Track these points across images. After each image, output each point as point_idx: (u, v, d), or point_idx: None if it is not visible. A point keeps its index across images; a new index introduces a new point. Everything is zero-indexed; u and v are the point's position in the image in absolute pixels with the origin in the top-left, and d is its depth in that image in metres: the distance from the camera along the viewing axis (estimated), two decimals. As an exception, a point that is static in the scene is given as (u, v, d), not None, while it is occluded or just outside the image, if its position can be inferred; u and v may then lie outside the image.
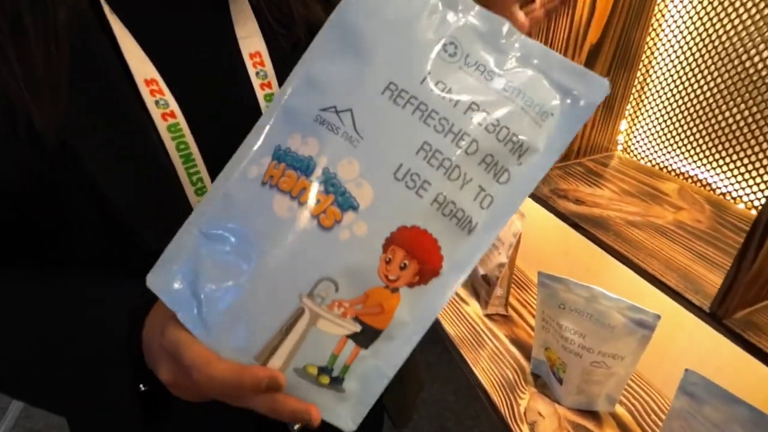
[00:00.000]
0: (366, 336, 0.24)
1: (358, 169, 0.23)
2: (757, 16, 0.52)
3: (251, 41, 0.31)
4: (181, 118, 0.29)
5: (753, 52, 0.53)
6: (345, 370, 0.24)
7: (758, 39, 0.52)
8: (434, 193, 0.23)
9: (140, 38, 0.28)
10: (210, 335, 0.23)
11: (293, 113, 0.25)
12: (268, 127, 0.25)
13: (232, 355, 0.23)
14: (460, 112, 0.23)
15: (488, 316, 0.98)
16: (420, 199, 0.23)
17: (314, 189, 0.23)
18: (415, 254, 0.23)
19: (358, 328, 0.23)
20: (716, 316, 0.41)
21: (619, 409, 0.76)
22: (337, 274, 0.23)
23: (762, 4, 0.51)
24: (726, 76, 0.57)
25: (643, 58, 0.66)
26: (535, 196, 0.64)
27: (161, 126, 0.28)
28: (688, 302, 0.43)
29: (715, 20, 0.56)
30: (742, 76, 0.55)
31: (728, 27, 0.55)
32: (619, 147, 0.74)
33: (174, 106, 0.28)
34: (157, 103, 0.28)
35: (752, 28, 0.53)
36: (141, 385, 0.29)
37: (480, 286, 1.01)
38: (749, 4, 0.53)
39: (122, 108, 0.27)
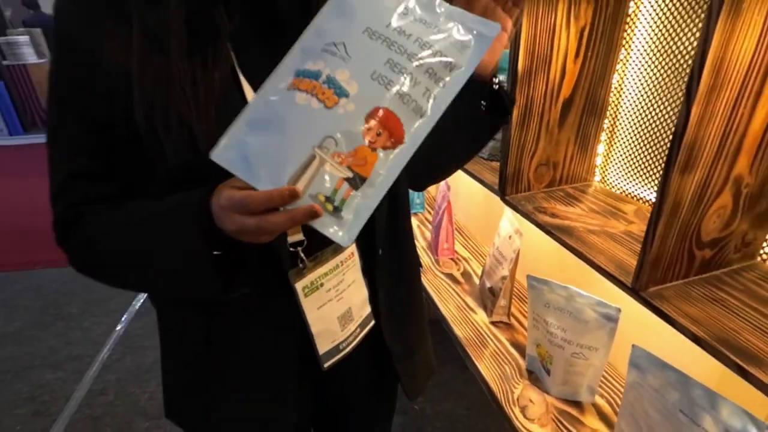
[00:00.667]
0: (355, 181, 0.36)
1: (348, 74, 0.37)
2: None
3: None
4: None
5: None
6: (342, 202, 0.35)
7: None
8: (396, 88, 0.37)
9: (251, 80, 0.47)
10: (255, 178, 0.36)
11: (307, 50, 0.39)
12: (290, 60, 0.38)
13: (269, 188, 0.35)
14: (412, 43, 0.38)
15: (493, 323, 1.12)
16: (387, 91, 0.37)
17: (322, 86, 0.37)
18: (387, 127, 0.37)
19: (350, 174, 0.35)
20: (635, 289, 0.57)
21: (599, 400, 0.88)
22: (336, 135, 0.35)
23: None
24: (669, 122, 0.74)
25: (609, 108, 0.84)
26: (522, 212, 0.81)
27: None
28: (619, 281, 0.59)
29: (662, 84, 0.74)
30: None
31: (672, 93, 0.73)
32: (597, 177, 0.91)
33: None
34: None
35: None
36: (214, 252, 0.42)
37: (486, 297, 1.16)
38: (682, 72, 0.70)
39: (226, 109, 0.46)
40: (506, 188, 0.85)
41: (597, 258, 0.63)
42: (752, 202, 0.55)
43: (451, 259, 1.43)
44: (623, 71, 0.80)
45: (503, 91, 0.51)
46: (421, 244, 1.53)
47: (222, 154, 0.37)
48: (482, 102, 0.52)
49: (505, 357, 1.02)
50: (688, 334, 0.50)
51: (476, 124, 0.54)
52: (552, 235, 0.72)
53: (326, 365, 0.58)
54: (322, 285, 0.55)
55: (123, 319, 2.14)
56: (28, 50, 5.65)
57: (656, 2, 0.72)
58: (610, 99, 0.82)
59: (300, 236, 0.51)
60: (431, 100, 0.37)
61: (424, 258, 1.44)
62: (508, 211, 1.06)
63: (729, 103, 0.46)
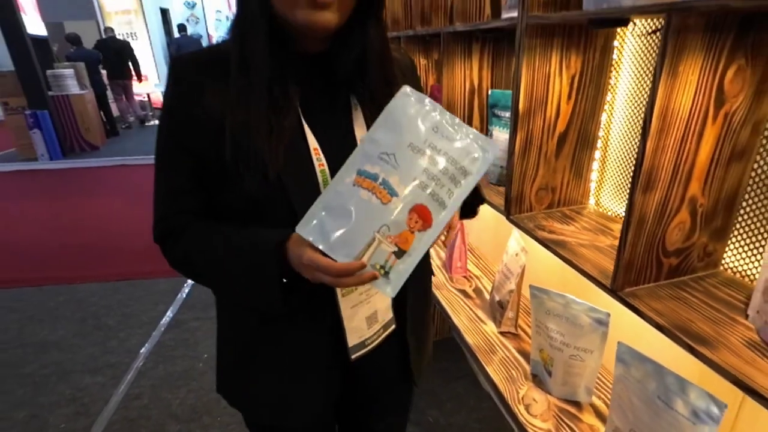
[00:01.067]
0: (399, 253, 0.52)
1: (398, 179, 0.53)
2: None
3: (360, 128, 0.66)
4: (326, 166, 0.63)
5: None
6: (390, 268, 0.53)
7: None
8: (430, 190, 0.53)
9: (312, 128, 0.63)
10: (334, 253, 0.53)
11: (366, 155, 0.54)
12: (353, 160, 0.53)
13: (342, 261, 0.52)
14: (441, 156, 0.53)
15: (501, 333, 1.23)
16: (424, 192, 0.53)
17: (379, 187, 0.53)
18: (421, 216, 0.53)
19: (396, 249, 0.53)
20: (613, 290, 0.69)
21: (596, 400, 0.98)
22: (389, 223, 0.53)
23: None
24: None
25: (600, 141, 0.97)
26: (524, 229, 0.94)
27: (318, 168, 0.63)
28: (600, 284, 0.71)
29: (638, 121, 0.88)
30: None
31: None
32: (591, 200, 1.03)
33: (323, 160, 0.63)
34: (317, 159, 0.63)
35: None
36: (284, 279, 0.58)
37: (495, 309, 1.28)
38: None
39: (304, 158, 0.62)
40: (511, 209, 0.98)
41: (584, 265, 0.75)
42: (708, 219, 0.67)
43: (464, 276, 1.54)
44: (610, 110, 0.95)
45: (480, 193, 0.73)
46: (436, 262, 1.65)
47: (306, 229, 0.53)
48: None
49: (512, 363, 1.12)
50: (652, 323, 0.62)
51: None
52: (548, 247, 0.85)
53: (353, 356, 0.71)
54: (356, 289, 0.68)
55: (155, 331, 2.29)
56: (72, 82, 6.10)
57: (631, 57, 0.87)
58: (600, 134, 0.96)
59: None
60: (451, 197, 0.53)
61: (439, 275, 1.56)
62: (515, 232, 1.19)
63: (677, 140, 0.60)
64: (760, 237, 0.68)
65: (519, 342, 1.19)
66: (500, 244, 1.48)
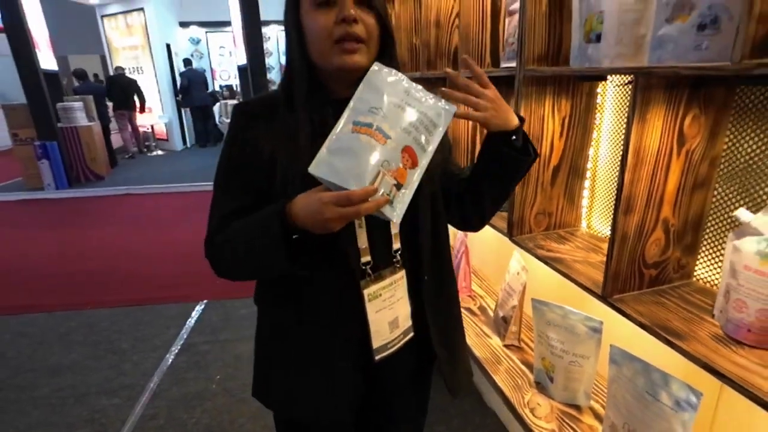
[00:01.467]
0: (399, 186, 0.60)
1: (388, 125, 0.60)
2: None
3: None
4: None
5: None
6: (394, 197, 0.59)
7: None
8: (413, 136, 0.63)
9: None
10: (347, 184, 0.60)
11: (357, 110, 0.61)
12: (347, 116, 0.61)
13: (355, 189, 0.58)
14: (416, 111, 0.63)
15: (506, 346, 1.34)
16: (409, 137, 0.62)
17: (375, 132, 0.62)
18: (411, 157, 0.63)
19: (396, 182, 0.59)
20: (603, 296, 0.81)
21: (594, 404, 1.09)
22: (389, 158, 0.59)
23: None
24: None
25: (588, 173, 1.12)
26: (525, 248, 1.07)
27: None
28: (593, 292, 0.84)
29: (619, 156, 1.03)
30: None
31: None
32: (584, 224, 1.17)
33: None
34: None
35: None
36: (293, 236, 0.65)
37: (500, 324, 1.39)
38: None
39: None
40: (513, 231, 1.12)
41: (579, 278, 0.88)
42: (679, 236, 0.81)
43: (469, 296, 1.66)
44: (596, 146, 1.10)
45: (526, 139, 0.72)
46: (442, 283, 1.77)
47: (317, 169, 0.62)
48: (507, 148, 0.71)
49: (517, 372, 1.23)
50: (636, 323, 0.74)
51: (505, 166, 0.73)
52: (548, 263, 0.98)
53: (377, 357, 0.80)
54: (380, 295, 0.80)
55: (168, 354, 2.36)
56: (81, 114, 6.28)
57: (611, 102, 1.03)
58: (588, 166, 1.11)
59: (368, 258, 0.77)
60: (429, 144, 0.65)
61: (445, 295, 1.68)
62: (516, 253, 1.32)
63: (649, 173, 0.74)
64: (722, 252, 0.82)
65: (522, 354, 1.30)
66: (502, 266, 1.61)
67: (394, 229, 0.76)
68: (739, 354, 0.65)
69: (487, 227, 1.32)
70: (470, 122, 1.48)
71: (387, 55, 0.71)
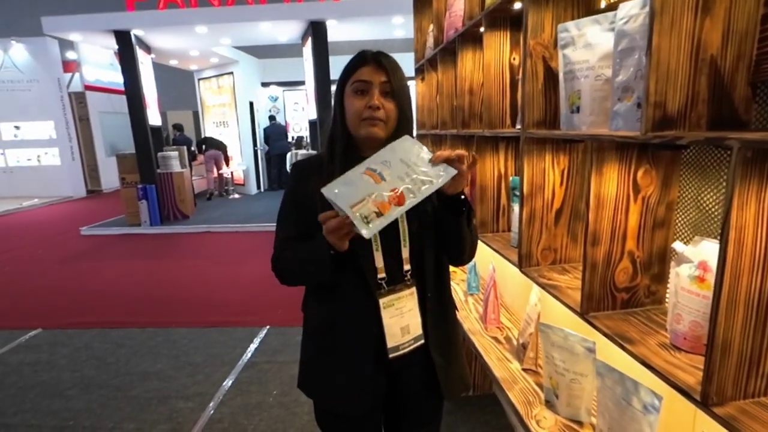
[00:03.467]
0: (378, 214, 0.82)
1: (389, 173, 0.88)
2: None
3: None
4: None
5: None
6: (370, 220, 0.81)
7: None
8: (406, 184, 0.86)
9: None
10: (336, 199, 0.85)
11: (374, 160, 0.91)
12: (366, 163, 0.91)
13: (341, 205, 0.85)
14: (417, 168, 0.89)
15: (524, 369, 1.50)
16: (403, 183, 0.87)
17: (376, 175, 0.88)
18: (398, 197, 0.86)
19: (377, 210, 0.82)
20: (581, 314, 1.00)
21: (594, 420, 1.21)
22: (376, 193, 0.83)
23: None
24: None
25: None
26: (531, 278, 1.27)
27: None
28: (574, 310, 1.02)
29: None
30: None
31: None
32: (588, 260, 1.35)
33: None
34: None
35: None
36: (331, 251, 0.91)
37: (520, 351, 1.55)
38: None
39: None
40: (522, 263, 1.32)
41: (566, 300, 1.07)
42: (646, 267, 0.99)
43: (497, 327, 1.83)
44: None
45: (464, 200, 0.97)
46: (473, 315, 1.96)
47: (326, 190, 0.87)
48: (455, 210, 0.98)
49: (530, 392, 1.38)
50: (602, 332, 0.92)
51: (455, 226, 0.99)
52: (545, 289, 1.17)
53: (391, 356, 1.03)
54: (393, 305, 1.04)
55: (234, 369, 2.69)
56: (176, 162, 7.25)
57: (606, 156, 1.24)
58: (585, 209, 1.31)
59: (383, 275, 1.02)
60: (419, 192, 0.87)
61: (476, 325, 1.86)
62: (535, 287, 1.49)
63: (610, 213, 0.94)
64: (688, 282, 0.98)
65: (538, 377, 1.45)
66: (528, 300, 1.77)
67: (405, 254, 1.02)
68: (674, 356, 0.81)
69: (507, 262, 1.52)
70: (495, 174, 1.73)
71: (402, 129, 0.99)
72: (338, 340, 1.05)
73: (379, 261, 1.00)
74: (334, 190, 0.87)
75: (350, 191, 0.85)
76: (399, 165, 0.89)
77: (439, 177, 0.89)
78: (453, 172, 0.90)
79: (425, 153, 0.92)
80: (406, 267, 1.02)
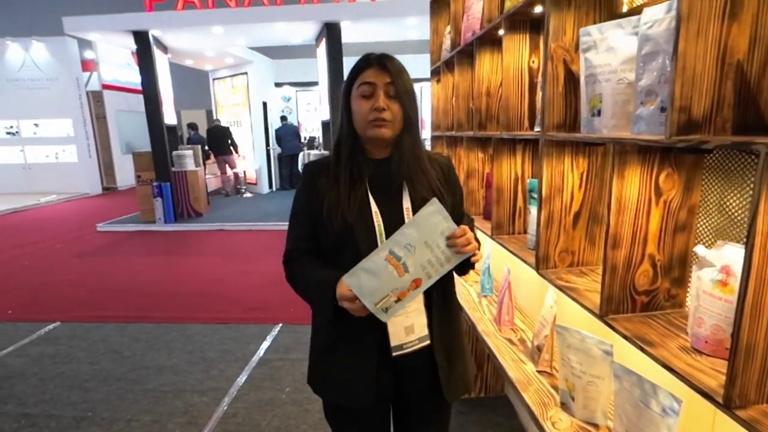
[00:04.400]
0: (398, 300, 0.94)
1: (413, 262, 0.94)
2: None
3: (406, 201, 1.07)
4: (381, 223, 1.04)
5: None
6: (389, 308, 0.94)
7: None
8: (427, 270, 0.95)
9: (375, 199, 1.04)
10: (362, 297, 0.93)
11: (398, 242, 0.95)
12: (388, 243, 0.95)
13: (366, 303, 0.94)
14: (440, 251, 0.95)
15: (539, 371, 1.50)
16: (423, 272, 0.94)
17: (401, 266, 0.94)
18: (416, 283, 0.94)
19: (396, 299, 0.94)
20: (600, 316, 1.00)
21: (610, 423, 1.21)
22: (399, 287, 0.93)
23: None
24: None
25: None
26: (548, 280, 1.28)
27: (376, 223, 1.03)
28: (594, 312, 1.03)
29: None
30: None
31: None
32: (605, 263, 1.35)
33: (380, 219, 1.03)
34: (377, 218, 1.04)
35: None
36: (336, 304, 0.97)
37: (534, 352, 1.55)
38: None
39: (367, 216, 1.03)
40: (539, 265, 1.33)
41: (585, 302, 1.08)
42: (666, 270, 0.99)
43: (511, 329, 1.83)
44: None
45: (471, 265, 1.06)
46: (487, 316, 1.96)
47: (349, 281, 0.94)
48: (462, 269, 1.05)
49: (545, 393, 1.38)
50: (621, 335, 0.93)
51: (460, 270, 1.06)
52: (564, 292, 1.18)
53: (394, 354, 1.05)
54: None
55: (248, 366, 2.72)
56: (190, 161, 7.34)
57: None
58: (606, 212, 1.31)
59: None
60: (435, 274, 0.95)
61: (489, 326, 1.87)
62: (550, 289, 1.50)
63: (631, 216, 0.95)
64: (709, 286, 0.98)
65: (552, 379, 1.45)
66: (543, 302, 1.77)
67: None
68: (695, 359, 0.81)
69: (531, 272, 1.52)
70: (512, 176, 1.73)
71: (407, 130, 1.02)
72: (343, 337, 1.07)
73: None
74: (359, 283, 0.93)
75: (374, 286, 0.93)
76: (422, 250, 0.94)
77: (449, 260, 0.97)
78: (465, 255, 0.97)
79: (447, 229, 0.96)
80: None
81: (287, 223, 1.13)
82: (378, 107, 0.98)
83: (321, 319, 1.07)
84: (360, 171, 1.04)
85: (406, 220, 1.03)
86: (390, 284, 0.92)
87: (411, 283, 0.94)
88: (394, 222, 1.01)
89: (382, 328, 1.03)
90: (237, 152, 9.02)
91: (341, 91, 1.06)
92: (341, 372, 1.09)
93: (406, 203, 1.05)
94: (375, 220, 1.03)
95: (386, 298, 0.92)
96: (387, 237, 1.02)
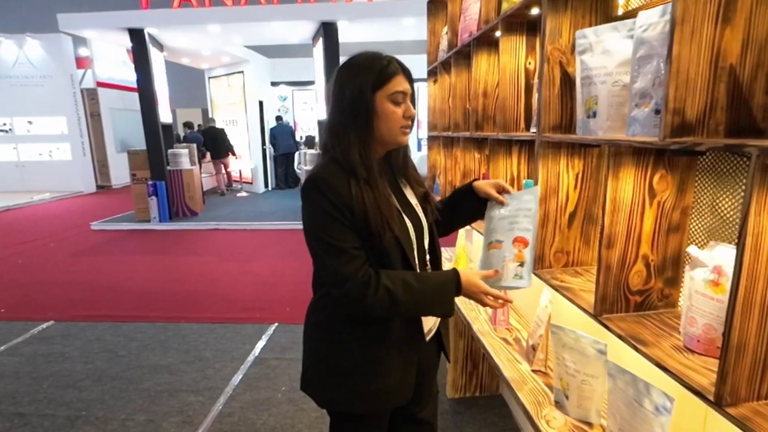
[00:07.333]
0: (522, 264, 1.09)
1: (500, 234, 1.10)
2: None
3: (410, 197, 1.11)
4: (408, 221, 1.07)
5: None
6: (521, 272, 1.09)
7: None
8: (517, 227, 1.10)
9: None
10: (492, 285, 1.02)
11: (486, 236, 1.11)
12: (484, 240, 1.10)
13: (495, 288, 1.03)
14: (516, 212, 1.10)
15: (533, 371, 1.51)
16: (514, 230, 1.09)
17: (495, 244, 1.08)
18: (521, 242, 1.08)
19: (518, 263, 1.08)
20: (594, 315, 1.01)
21: (604, 422, 1.23)
22: (506, 255, 1.08)
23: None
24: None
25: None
26: (543, 280, 1.29)
27: (407, 222, 1.07)
28: (588, 312, 1.04)
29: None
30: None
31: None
32: (600, 264, 1.36)
33: (404, 216, 1.07)
34: (405, 217, 1.07)
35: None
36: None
37: (529, 352, 1.56)
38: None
39: (400, 218, 1.06)
40: (535, 265, 1.34)
41: (580, 302, 1.09)
42: (659, 270, 1.00)
43: (507, 328, 1.84)
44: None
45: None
46: (482, 316, 1.97)
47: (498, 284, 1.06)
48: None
49: (539, 392, 1.39)
50: (615, 334, 0.94)
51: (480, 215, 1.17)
52: (558, 291, 1.19)
53: (428, 338, 1.16)
54: None
55: (243, 365, 2.72)
56: (185, 159, 7.32)
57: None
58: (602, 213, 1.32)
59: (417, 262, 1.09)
60: (531, 226, 1.05)
61: (485, 326, 1.88)
62: (545, 289, 1.51)
63: (625, 216, 0.96)
64: (702, 286, 0.99)
65: (547, 378, 1.46)
66: (539, 303, 1.78)
67: (425, 245, 1.14)
68: (688, 358, 0.83)
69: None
70: (507, 177, 1.74)
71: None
72: (397, 342, 1.09)
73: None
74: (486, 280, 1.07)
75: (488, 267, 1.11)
76: (500, 224, 1.11)
77: (530, 200, 1.12)
78: (536, 189, 1.14)
79: (518, 203, 1.12)
80: (428, 256, 1.15)
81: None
82: (412, 116, 1.04)
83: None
84: (382, 175, 1.06)
85: (420, 215, 1.12)
86: (497, 259, 1.07)
87: (516, 246, 1.07)
88: (413, 217, 1.09)
89: (418, 321, 1.12)
90: (234, 154, 9.04)
91: (352, 87, 0.98)
92: (386, 378, 1.09)
93: (411, 198, 1.13)
94: (406, 222, 1.08)
95: (503, 268, 1.07)
96: (415, 234, 1.08)
